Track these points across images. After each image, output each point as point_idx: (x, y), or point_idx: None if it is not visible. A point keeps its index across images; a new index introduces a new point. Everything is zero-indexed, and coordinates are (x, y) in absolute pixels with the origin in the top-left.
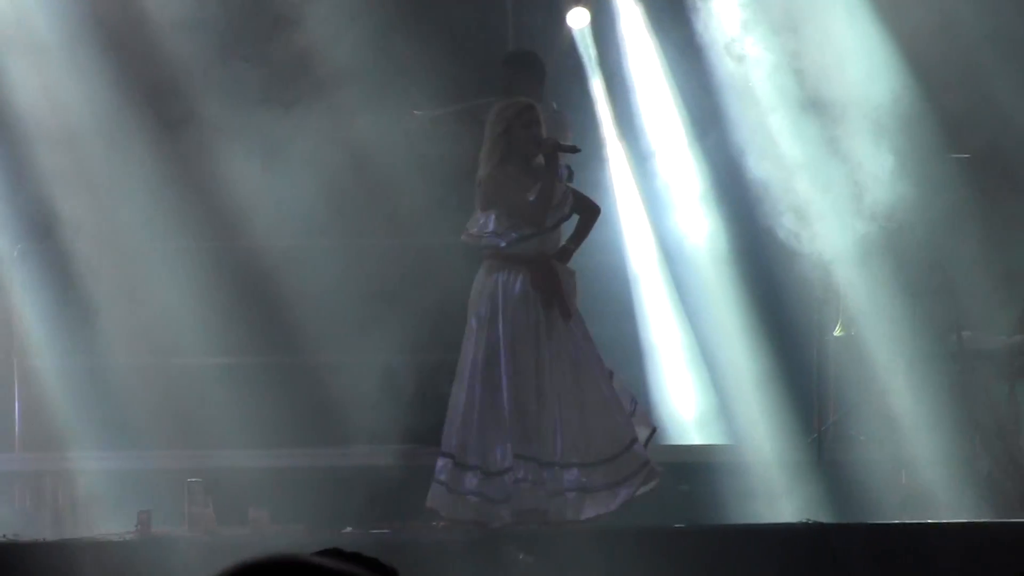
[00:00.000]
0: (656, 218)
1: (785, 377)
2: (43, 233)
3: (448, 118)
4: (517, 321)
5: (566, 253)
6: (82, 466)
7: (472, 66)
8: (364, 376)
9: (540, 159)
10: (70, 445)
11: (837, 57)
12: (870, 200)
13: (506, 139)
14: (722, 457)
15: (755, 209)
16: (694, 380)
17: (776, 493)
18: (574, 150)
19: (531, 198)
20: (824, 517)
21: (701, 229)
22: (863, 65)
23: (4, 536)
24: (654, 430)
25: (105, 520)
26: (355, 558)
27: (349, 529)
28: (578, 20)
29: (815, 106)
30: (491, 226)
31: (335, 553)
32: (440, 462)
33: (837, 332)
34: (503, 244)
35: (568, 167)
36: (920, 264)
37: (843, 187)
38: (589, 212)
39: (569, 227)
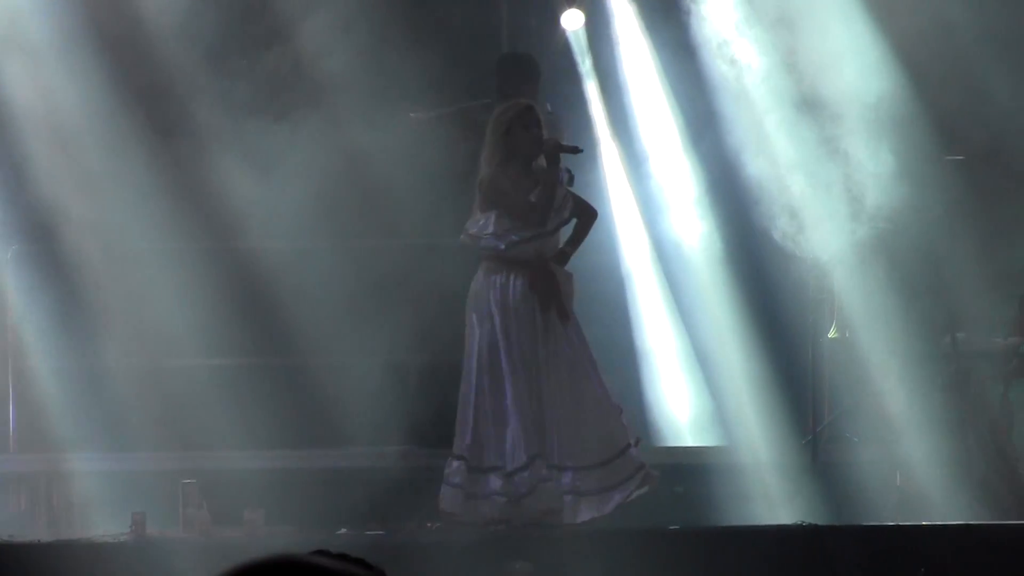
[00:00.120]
0: (651, 220)
1: (780, 379)
2: (38, 235)
3: (444, 120)
4: (515, 323)
5: (564, 256)
6: (77, 467)
7: (467, 68)
8: (359, 378)
9: (541, 160)
10: (65, 447)
11: (832, 58)
12: (865, 202)
13: (507, 141)
14: (716, 459)
15: (750, 211)
16: (689, 382)
17: (771, 495)
18: (576, 150)
19: (532, 199)
20: (818, 519)
21: (696, 230)
22: (858, 66)
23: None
24: (638, 440)
25: (100, 521)
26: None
27: (344, 530)
28: (572, 22)
29: (810, 107)
30: (491, 228)
31: (321, 554)
32: (452, 465)
33: (832, 334)
34: (502, 246)
35: (568, 170)
36: (915, 266)
37: (838, 188)
38: (587, 215)
39: (566, 230)
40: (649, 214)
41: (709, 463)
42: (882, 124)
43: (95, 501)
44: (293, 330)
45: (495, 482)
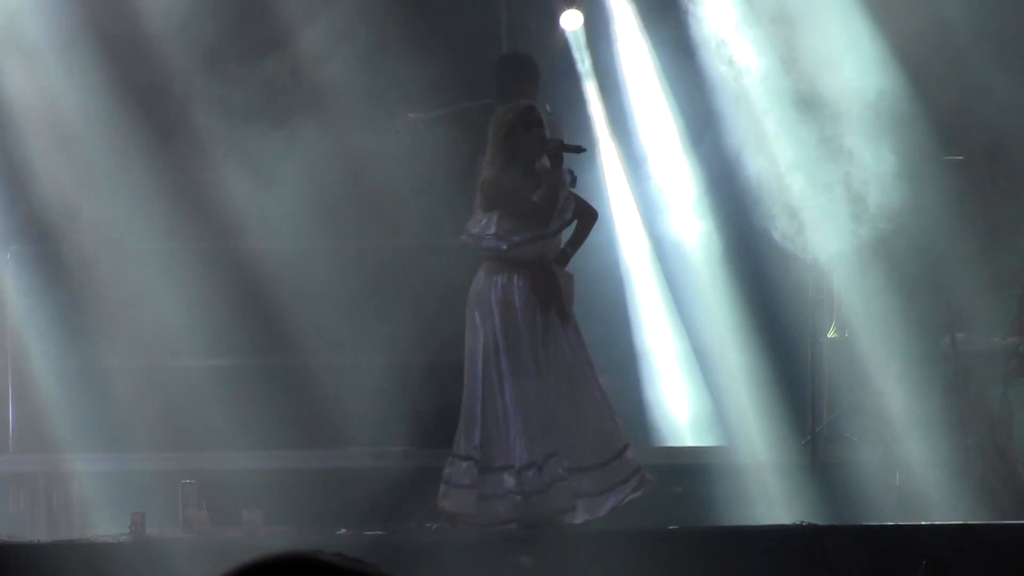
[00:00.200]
0: (650, 220)
1: (779, 379)
2: (37, 235)
3: (443, 120)
4: (517, 323)
5: (565, 257)
6: (76, 468)
7: (466, 69)
8: (358, 378)
9: (544, 161)
10: (65, 447)
11: (831, 57)
12: (864, 201)
13: (509, 142)
14: (716, 459)
15: (749, 211)
16: (688, 382)
17: (770, 495)
18: (579, 150)
19: (535, 200)
20: (818, 519)
21: (695, 230)
22: (857, 65)
23: None
24: (626, 446)
25: (99, 522)
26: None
27: (343, 531)
28: (571, 22)
29: (809, 107)
30: (493, 228)
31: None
32: (461, 466)
33: (831, 334)
34: (504, 247)
35: (571, 171)
36: (914, 266)
37: (837, 188)
38: (587, 216)
39: (567, 231)
40: (648, 214)
41: (709, 463)
42: (881, 124)
43: (94, 501)
44: (292, 330)
45: (509, 480)
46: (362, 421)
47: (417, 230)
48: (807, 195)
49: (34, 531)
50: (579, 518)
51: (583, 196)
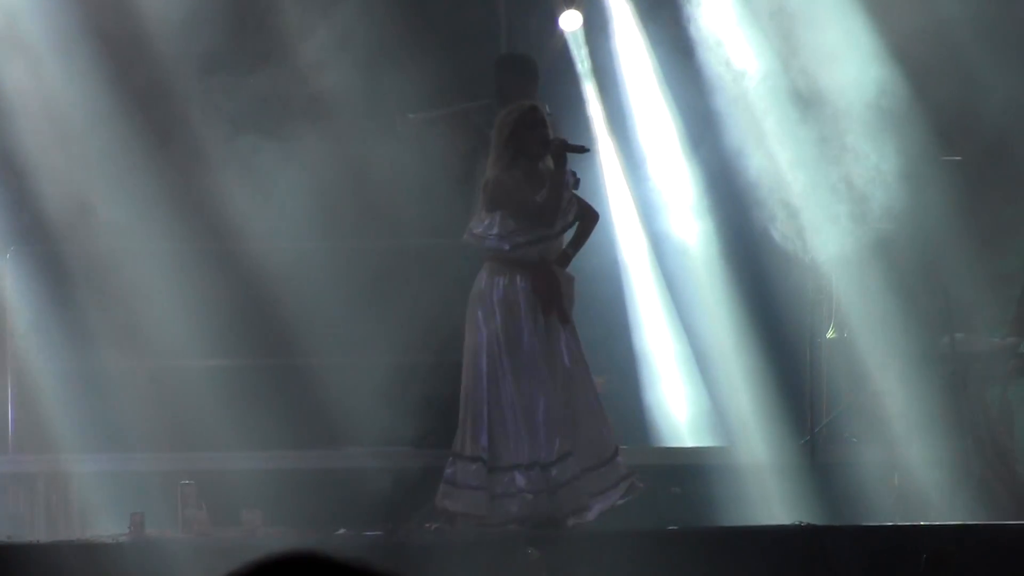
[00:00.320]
0: (648, 220)
1: (778, 379)
2: (36, 236)
3: (442, 120)
4: (519, 324)
5: (566, 258)
6: (75, 468)
7: (465, 69)
8: (357, 378)
9: (548, 162)
10: (63, 447)
11: (830, 57)
12: (863, 202)
13: (513, 142)
14: (714, 459)
15: (749, 211)
16: (687, 382)
17: (769, 495)
18: (583, 150)
19: (539, 200)
20: (816, 519)
21: (694, 231)
22: (856, 64)
23: None
24: (617, 450)
25: (98, 522)
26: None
27: (342, 531)
28: (571, 23)
29: (808, 107)
30: (496, 229)
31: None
32: (469, 467)
33: (830, 334)
34: (507, 247)
35: (574, 173)
36: (913, 266)
37: (836, 189)
38: (588, 218)
39: (568, 232)
40: (647, 214)
41: (707, 463)
42: (880, 124)
43: (94, 502)
44: (291, 331)
45: (519, 479)
46: (361, 421)
47: (417, 230)
48: (807, 195)
49: (33, 531)
50: (571, 520)
51: (583, 197)
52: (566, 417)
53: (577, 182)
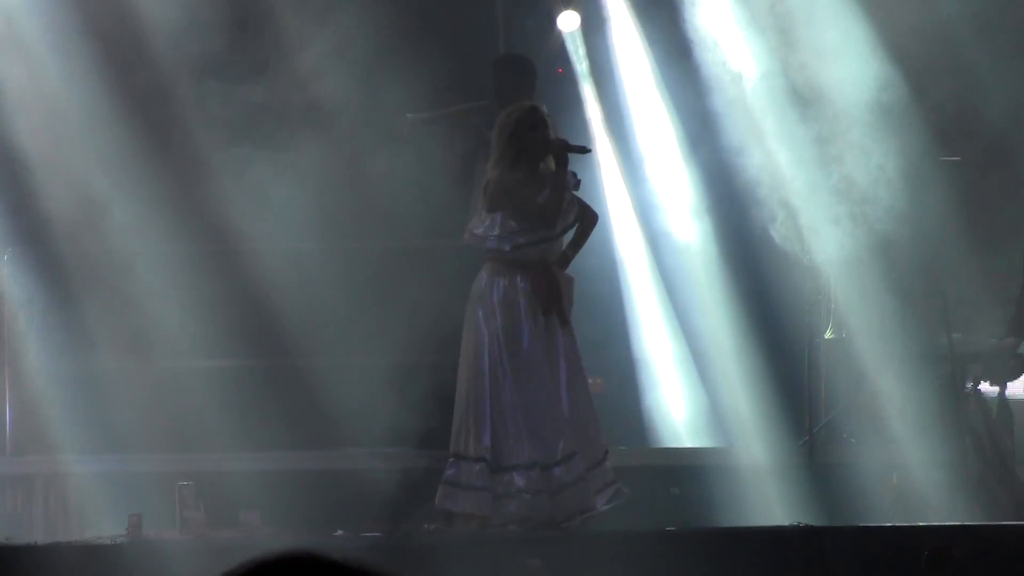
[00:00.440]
0: (647, 220)
1: (776, 379)
2: (35, 237)
3: (440, 121)
4: (519, 324)
5: (565, 259)
6: (73, 469)
7: (463, 69)
8: (355, 379)
9: (549, 163)
10: (61, 448)
11: (829, 58)
12: (862, 202)
13: (514, 143)
14: (713, 460)
15: (747, 212)
16: (685, 383)
17: (767, 496)
18: (583, 150)
19: (541, 201)
20: (815, 520)
21: (692, 231)
22: (854, 66)
23: None
24: (606, 454)
25: (96, 523)
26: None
27: (340, 532)
28: (568, 23)
29: (807, 108)
30: (496, 229)
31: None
32: (474, 468)
33: (828, 335)
34: (507, 248)
35: (574, 174)
36: (911, 266)
37: (835, 189)
38: (588, 219)
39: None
40: (645, 215)
41: (706, 464)
42: (879, 125)
43: (91, 503)
44: (289, 332)
45: (519, 480)
46: (360, 422)
47: (416, 231)
48: (806, 195)
49: (31, 533)
50: (578, 519)
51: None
52: (572, 417)
53: (578, 183)
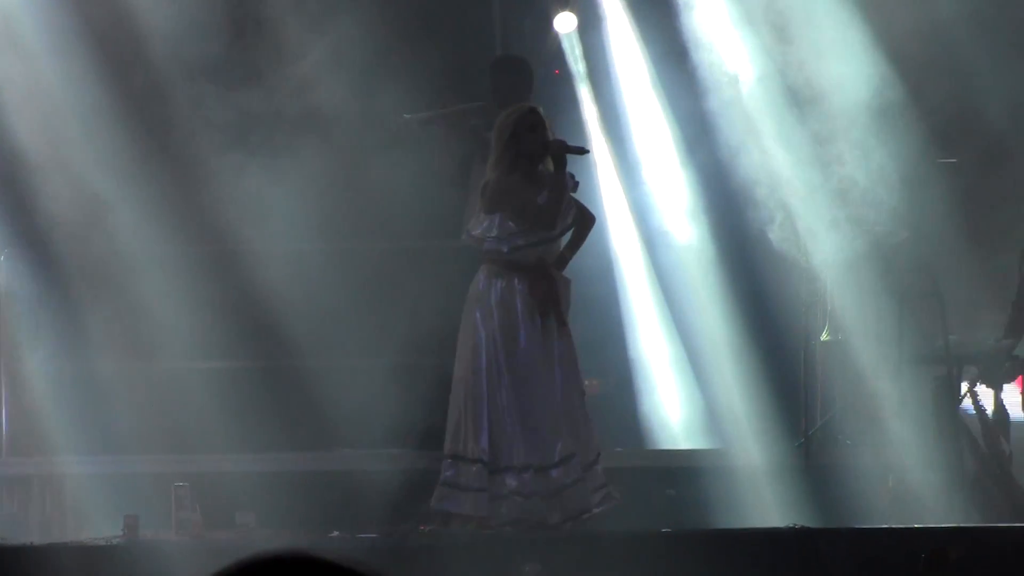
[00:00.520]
0: (643, 222)
1: (772, 381)
2: (30, 238)
3: (437, 122)
4: (516, 326)
5: (563, 261)
6: (69, 470)
7: (460, 71)
8: (352, 381)
9: (548, 164)
10: (57, 449)
11: (826, 59)
12: (859, 204)
13: (513, 145)
14: (709, 461)
15: (744, 214)
16: (681, 384)
17: (763, 498)
18: (582, 151)
19: (540, 202)
20: (811, 521)
21: (689, 233)
22: (852, 67)
23: None
24: (598, 456)
25: (92, 524)
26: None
27: (336, 533)
28: (565, 24)
29: (804, 110)
30: (495, 231)
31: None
32: (471, 469)
33: (824, 336)
34: (505, 249)
35: (572, 176)
36: (907, 268)
37: (831, 192)
38: (585, 221)
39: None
40: (642, 217)
41: (702, 466)
42: (876, 127)
43: (87, 504)
44: (287, 333)
45: (511, 481)
46: (356, 423)
47: (414, 232)
48: (803, 197)
49: (27, 534)
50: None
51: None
52: (571, 419)
53: (576, 185)
